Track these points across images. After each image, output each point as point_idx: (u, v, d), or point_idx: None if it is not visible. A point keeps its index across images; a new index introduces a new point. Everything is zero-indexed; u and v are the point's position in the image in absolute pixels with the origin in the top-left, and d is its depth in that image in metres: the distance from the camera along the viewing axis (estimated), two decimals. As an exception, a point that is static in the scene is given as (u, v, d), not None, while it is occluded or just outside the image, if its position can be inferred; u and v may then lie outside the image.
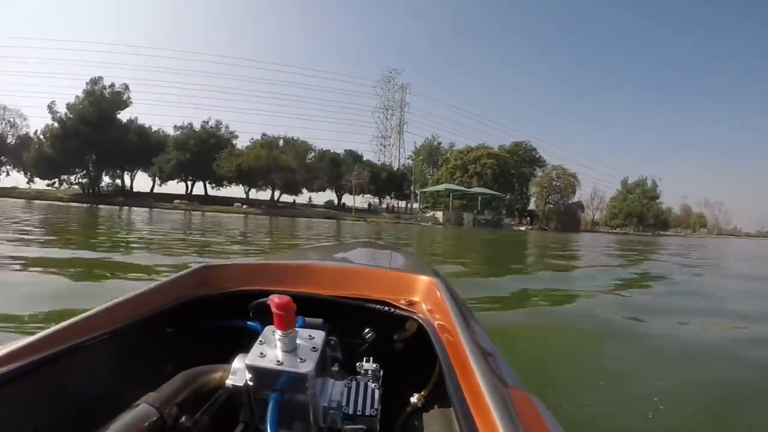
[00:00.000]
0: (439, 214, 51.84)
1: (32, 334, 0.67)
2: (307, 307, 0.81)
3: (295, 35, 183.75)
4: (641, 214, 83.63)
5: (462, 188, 57.51)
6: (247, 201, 55.00)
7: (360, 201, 65.81)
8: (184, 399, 0.69)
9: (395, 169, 74.99)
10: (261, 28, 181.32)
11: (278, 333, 0.66)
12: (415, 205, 64.05)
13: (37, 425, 0.63)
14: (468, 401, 0.54)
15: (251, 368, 0.65)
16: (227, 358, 0.75)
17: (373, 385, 0.74)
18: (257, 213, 44.37)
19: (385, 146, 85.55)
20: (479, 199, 59.29)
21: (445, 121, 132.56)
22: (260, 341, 0.69)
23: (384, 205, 67.67)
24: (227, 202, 52.80)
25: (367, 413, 0.69)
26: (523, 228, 60.05)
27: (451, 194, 56.27)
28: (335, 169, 61.51)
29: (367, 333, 0.94)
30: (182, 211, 37.31)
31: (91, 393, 0.73)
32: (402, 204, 71.68)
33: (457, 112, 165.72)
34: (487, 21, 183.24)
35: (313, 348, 0.68)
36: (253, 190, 58.77)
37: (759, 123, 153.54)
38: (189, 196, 56.47)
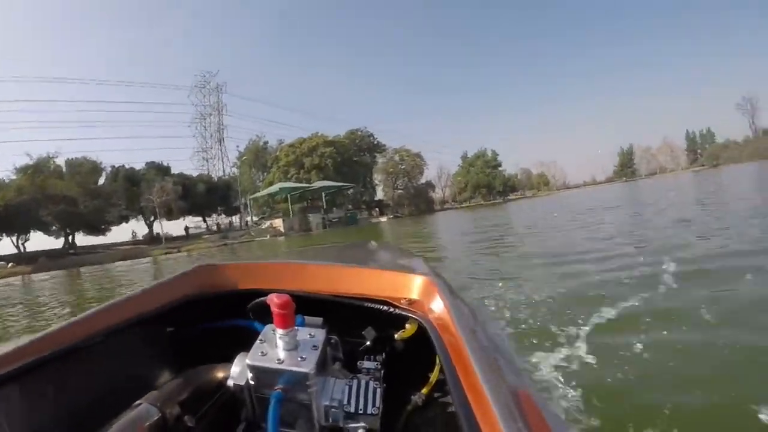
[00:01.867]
0: (278, 223, 41.40)
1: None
2: (307, 307, 0.81)
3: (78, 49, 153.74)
4: (489, 183, 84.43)
5: (300, 185, 46.98)
6: (18, 256, 38.15)
7: (180, 225, 51.80)
8: (185, 398, 0.70)
9: (215, 179, 61.27)
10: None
11: (279, 332, 0.66)
12: (253, 219, 51.75)
13: (40, 424, 0.63)
14: (469, 400, 0.53)
15: (252, 367, 0.65)
16: (228, 358, 0.76)
17: (374, 383, 0.74)
18: (26, 272, 29.32)
19: (207, 159, 71.39)
20: (323, 196, 49.93)
21: (271, 124, 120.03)
22: (261, 340, 0.69)
23: (206, 226, 54.05)
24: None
25: (369, 412, 0.69)
26: (383, 219, 53.03)
27: (288, 196, 45.86)
28: (134, 189, 46.06)
29: (368, 332, 0.93)
30: None
31: (93, 392, 0.73)
32: (236, 220, 58.66)
33: (283, 110, 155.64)
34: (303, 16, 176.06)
35: (314, 346, 0.68)
36: (50, 237, 41.78)
37: (574, 86, 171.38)
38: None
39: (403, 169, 71.41)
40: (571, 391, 1.99)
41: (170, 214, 47.15)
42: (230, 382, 0.70)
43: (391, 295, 0.91)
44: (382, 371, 0.82)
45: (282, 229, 39.17)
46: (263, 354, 0.66)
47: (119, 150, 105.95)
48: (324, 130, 63.83)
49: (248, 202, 50.04)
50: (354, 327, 0.93)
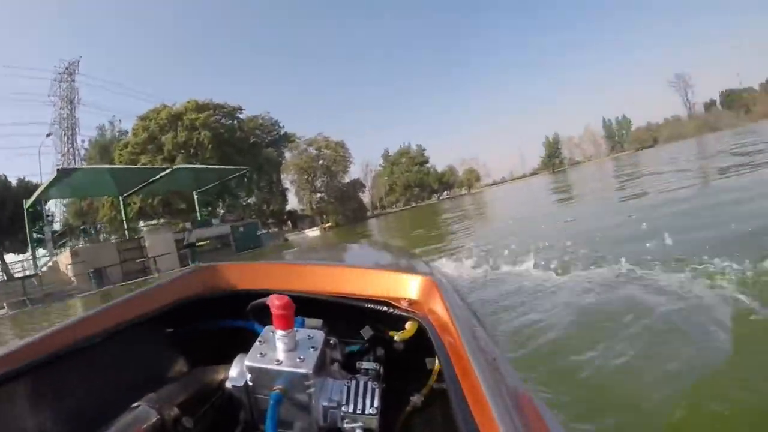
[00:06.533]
0: (66, 260, 17.11)
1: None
2: (307, 308, 0.82)
3: None
4: (421, 181, 72.15)
5: (137, 167, 22.57)
6: None
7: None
8: (184, 400, 0.69)
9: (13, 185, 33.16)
10: None
11: (278, 333, 0.66)
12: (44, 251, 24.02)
13: (38, 425, 0.63)
14: (468, 401, 0.53)
15: (251, 368, 0.65)
16: (227, 359, 0.76)
17: (372, 384, 0.74)
18: None
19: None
20: (195, 197, 25.94)
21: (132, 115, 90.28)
22: (260, 341, 0.70)
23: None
24: None
25: (367, 412, 0.69)
26: (312, 232, 33.03)
27: (119, 200, 22.43)
28: None
29: (367, 333, 0.93)
30: None
31: (91, 394, 0.73)
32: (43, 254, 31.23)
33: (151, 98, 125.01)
34: None
35: (313, 347, 0.69)
36: None
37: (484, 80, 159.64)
38: None
39: (323, 164, 51.55)
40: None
41: None
42: (229, 384, 0.70)
43: (391, 295, 0.91)
44: (381, 372, 0.82)
45: (70, 274, 15.98)
46: (262, 355, 0.65)
47: None
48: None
49: (25, 214, 21.17)
50: (354, 328, 0.93)
